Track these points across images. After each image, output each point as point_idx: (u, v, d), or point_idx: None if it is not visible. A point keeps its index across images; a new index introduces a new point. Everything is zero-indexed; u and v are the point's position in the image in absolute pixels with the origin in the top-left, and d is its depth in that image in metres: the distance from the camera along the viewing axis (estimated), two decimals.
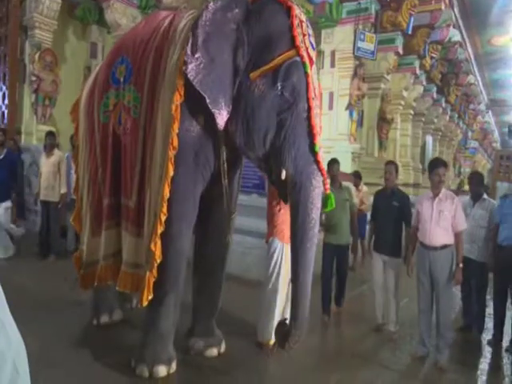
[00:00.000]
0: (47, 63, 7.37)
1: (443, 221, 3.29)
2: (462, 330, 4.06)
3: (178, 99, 2.39)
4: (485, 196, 4.04)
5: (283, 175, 2.33)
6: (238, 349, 3.21)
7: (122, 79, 2.82)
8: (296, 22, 2.30)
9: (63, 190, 5.46)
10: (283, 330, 2.41)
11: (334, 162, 4.16)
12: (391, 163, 4.07)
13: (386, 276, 3.86)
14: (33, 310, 3.44)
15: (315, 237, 2.37)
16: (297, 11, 2.35)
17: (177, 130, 2.41)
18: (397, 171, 4.01)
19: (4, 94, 7.49)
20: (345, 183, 4.26)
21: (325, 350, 3.57)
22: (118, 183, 2.88)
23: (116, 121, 2.86)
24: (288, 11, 2.33)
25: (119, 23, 7.74)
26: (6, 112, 7.46)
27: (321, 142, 2.35)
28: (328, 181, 2.45)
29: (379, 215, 3.95)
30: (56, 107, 7.61)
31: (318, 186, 2.34)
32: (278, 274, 3.25)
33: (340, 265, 4.14)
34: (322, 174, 2.35)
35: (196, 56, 2.27)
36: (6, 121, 7.45)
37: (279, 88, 2.28)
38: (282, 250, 3.26)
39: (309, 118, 2.30)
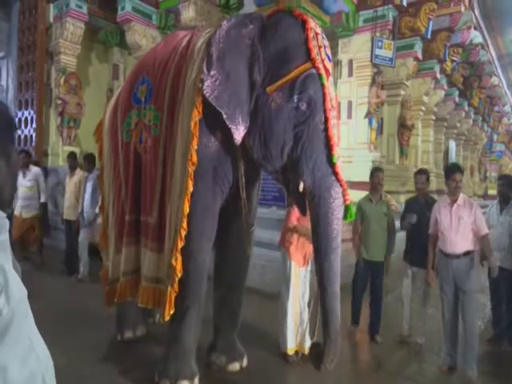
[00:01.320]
0: (72, 86, 7.69)
1: (463, 227, 3.20)
2: (492, 341, 3.89)
3: (196, 116, 2.43)
4: None
5: (301, 187, 2.31)
6: (261, 363, 3.19)
7: (143, 99, 2.89)
8: (311, 34, 2.31)
9: (80, 209, 5.56)
10: (317, 351, 2.34)
11: (376, 171, 3.92)
12: (422, 172, 3.91)
13: (415, 287, 3.76)
14: (59, 326, 3.53)
15: (339, 248, 2.33)
16: (312, 24, 2.36)
17: (196, 146, 2.44)
18: (428, 179, 3.88)
19: (32, 117, 7.82)
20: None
21: (350, 362, 3.50)
22: (139, 201, 2.93)
23: (137, 139, 2.92)
24: (303, 24, 2.35)
25: (140, 44, 8.00)
26: (33, 135, 7.77)
27: (339, 153, 2.32)
28: (348, 191, 2.40)
29: (411, 225, 3.78)
30: (80, 128, 7.90)
31: (338, 197, 2.30)
32: (288, 281, 3.28)
33: (375, 284, 3.88)
34: (341, 185, 2.31)
35: (212, 73, 2.29)
36: (33, 143, 7.75)
37: (296, 101, 2.28)
38: (286, 258, 3.33)
39: (326, 130, 2.28)
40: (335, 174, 2.29)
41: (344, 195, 2.33)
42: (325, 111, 2.28)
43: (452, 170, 3.33)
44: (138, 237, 2.95)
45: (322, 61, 2.32)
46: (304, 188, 2.32)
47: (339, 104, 8.00)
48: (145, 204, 2.85)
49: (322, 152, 2.29)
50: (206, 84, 2.29)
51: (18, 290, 0.77)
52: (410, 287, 3.80)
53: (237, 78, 2.36)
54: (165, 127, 2.69)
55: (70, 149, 7.74)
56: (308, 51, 2.29)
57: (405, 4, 7.65)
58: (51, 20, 7.86)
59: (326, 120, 2.28)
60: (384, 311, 3.90)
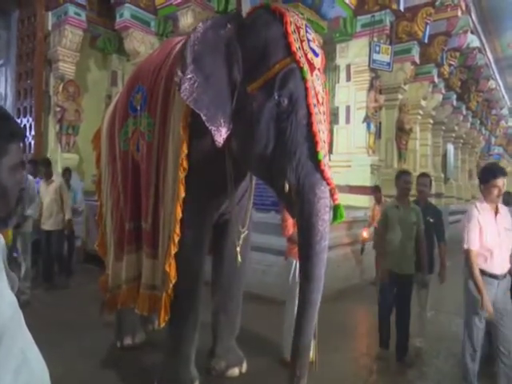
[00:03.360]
0: (70, 94, 7.71)
1: (508, 241, 2.77)
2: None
3: (185, 119, 2.41)
4: None
5: (286, 188, 2.15)
6: (260, 368, 3.18)
7: (138, 107, 2.88)
8: (291, 28, 2.18)
9: (68, 216, 5.38)
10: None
11: (401, 174, 3.61)
12: (425, 176, 3.78)
13: (414, 291, 3.72)
14: (57, 334, 3.52)
15: (323, 252, 2.12)
16: (291, 18, 2.22)
17: (186, 151, 2.42)
18: (431, 183, 3.78)
19: (31, 125, 7.84)
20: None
21: (349, 367, 3.47)
22: (138, 209, 2.92)
23: (134, 148, 2.91)
24: (281, 19, 2.22)
25: (138, 51, 8.03)
26: (32, 143, 7.78)
27: (326, 150, 2.18)
28: (337, 191, 2.26)
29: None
30: (79, 135, 7.92)
31: (323, 197, 2.11)
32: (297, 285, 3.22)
33: (401, 300, 3.47)
34: (328, 184, 2.14)
35: (189, 76, 2.20)
36: (32, 151, 7.76)
37: (276, 98, 2.14)
38: (291, 264, 3.27)
39: (310, 125, 2.12)
40: (321, 171, 2.11)
41: (332, 195, 2.16)
42: (308, 106, 2.13)
43: (493, 174, 2.74)
44: (138, 244, 2.95)
45: (305, 54, 2.18)
46: (289, 188, 2.15)
47: (337, 108, 8.03)
48: (143, 211, 2.85)
49: (306, 148, 2.12)
50: (183, 87, 2.18)
51: (8, 306, 0.76)
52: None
53: (216, 80, 2.27)
54: (158, 132, 2.68)
55: (69, 155, 7.77)
56: (288, 46, 2.16)
57: (402, 9, 7.68)
58: (50, 28, 7.89)
59: (310, 115, 2.13)
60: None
